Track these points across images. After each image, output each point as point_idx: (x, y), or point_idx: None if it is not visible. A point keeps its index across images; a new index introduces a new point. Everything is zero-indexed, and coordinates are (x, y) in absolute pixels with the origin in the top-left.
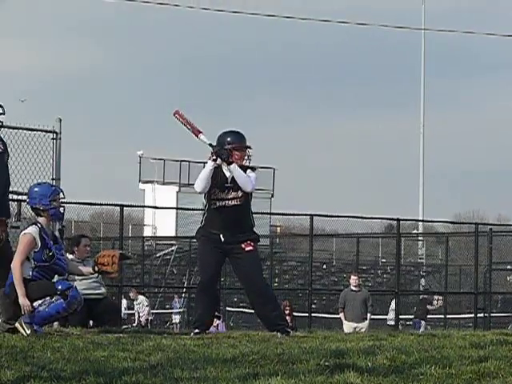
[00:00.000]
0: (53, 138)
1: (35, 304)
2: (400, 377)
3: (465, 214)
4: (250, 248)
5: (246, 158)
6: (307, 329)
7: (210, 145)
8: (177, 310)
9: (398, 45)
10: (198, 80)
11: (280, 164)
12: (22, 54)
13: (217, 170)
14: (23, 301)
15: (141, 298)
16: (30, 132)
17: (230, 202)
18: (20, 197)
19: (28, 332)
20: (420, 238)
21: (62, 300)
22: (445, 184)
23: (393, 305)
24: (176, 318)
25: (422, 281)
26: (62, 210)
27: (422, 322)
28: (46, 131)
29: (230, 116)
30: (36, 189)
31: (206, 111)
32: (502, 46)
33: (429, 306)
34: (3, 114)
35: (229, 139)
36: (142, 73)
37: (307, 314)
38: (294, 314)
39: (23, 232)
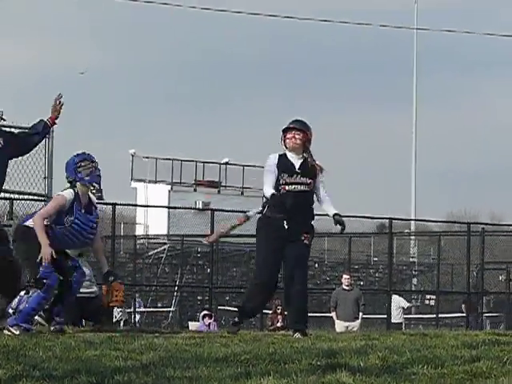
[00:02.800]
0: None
1: (13, 304)
2: (392, 377)
3: (457, 213)
4: (306, 242)
5: (301, 140)
6: None
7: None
8: (138, 310)
9: (389, 44)
10: (192, 79)
11: None
12: (19, 52)
13: (283, 158)
14: (46, 249)
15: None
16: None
17: (299, 186)
18: (12, 195)
19: (17, 333)
20: (412, 237)
21: (38, 291)
22: (437, 183)
23: (401, 303)
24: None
25: (415, 280)
26: (97, 172)
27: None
28: None
29: (222, 115)
30: (66, 161)
31: (202, 110)
32: (496, 45)
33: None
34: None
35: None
36: (135, 72)
37: None
38: (285, 312)
39: (58, 193)
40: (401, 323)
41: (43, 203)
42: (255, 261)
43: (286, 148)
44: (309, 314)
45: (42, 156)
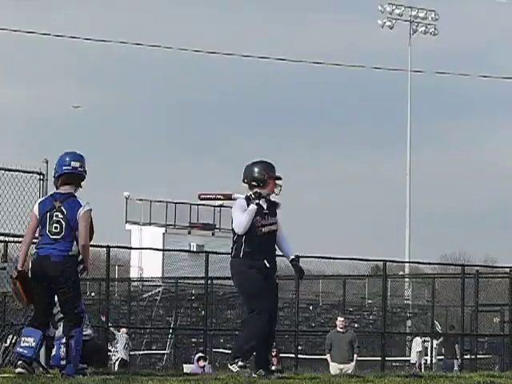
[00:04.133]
0: (39, 179)
1: (62, 354)
2: None
3: (451, 255)
4: (277, 281)
5: (279, 188)
6: (294, 370)
7: (248, 197)
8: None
9: (384, 86)
10: (187, 122)
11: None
12: (8, 93)
13: (249, 199)
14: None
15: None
16: (16, 173)
17: (271, 227)
18: (7, 238)
19: (80, 377)
20: (406, 280)
21: (77, 329)
22: (431, 225)
23: (419, 347)
24: (119, 353)
25: (409, 322)
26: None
27: (455, 362)
28: (33, 172)
29: (216, 158)
30: (60, 158)
31: (196, 153)
32: (489, 89)
33: (457, 346)
34: None
35: (266, 169)
36: (129, 114)
37: (294, 356)
38: (281, 355)
39: (86, 209)
40: (419, 363)
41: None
42: (246, 297)
43: (264, 191)
44: (303, 357)
45: (37, 198)
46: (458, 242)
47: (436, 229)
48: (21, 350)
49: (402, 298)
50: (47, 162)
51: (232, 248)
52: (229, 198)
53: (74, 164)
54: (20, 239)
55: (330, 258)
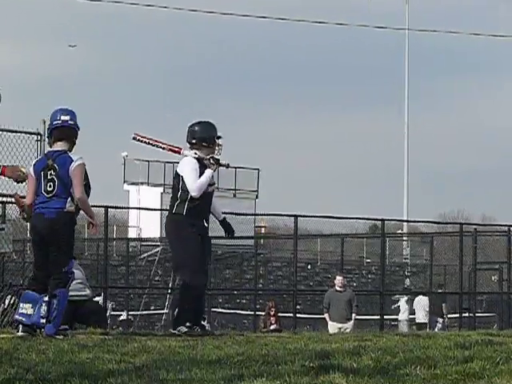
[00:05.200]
0: (37, 140)
1: (43, 313)
2: (385, 378)
3: (449, 213)
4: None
5: (219, 148)
6: (292, 329)
7: (198, 155)
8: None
9: (381, 45)
10: (183, 82)
11: (264, 165)
12: (6, 54)
13: (200, 162)
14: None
15: None
16: (14, 134)
17: (213, 187)
18: (5, 199)
19: (61, 338)
20: (404, 238)
21: (63, 290)
22: (429, 184)
23: (426, 307)
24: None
25: (407, 281)
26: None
27: (440, 320)
28: (31, 133)
29: (214, 116)
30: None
31: (190, 112)
32: (486, 47)
33: (444, 305)
34: None
35: (207, 129)
36: (128, 74)
37: (292, 315)
38: (279, 314)
39: (78, 163)
40: (426, 323)
41: None
42: (181, 257)
43: (208, 152)
44: (302, 316)
45: (34, 158)
46: (456, 200)
47: (434, 187)
48: (18, 317)
49: (401, 257)
50: (45, 123)
51: (173, 204)
52: (177, 152)
53: (64, 117)
54: None
55: (328, 217)
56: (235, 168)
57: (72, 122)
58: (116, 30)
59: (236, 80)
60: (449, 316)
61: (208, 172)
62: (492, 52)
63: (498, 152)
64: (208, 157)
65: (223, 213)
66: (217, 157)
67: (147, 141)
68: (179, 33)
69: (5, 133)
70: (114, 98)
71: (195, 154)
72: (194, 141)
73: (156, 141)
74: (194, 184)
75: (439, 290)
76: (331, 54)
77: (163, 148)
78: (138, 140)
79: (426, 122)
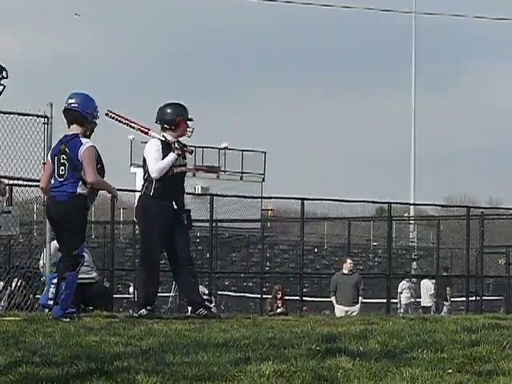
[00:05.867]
0: (44, 123)
1: (51, 295)
2: (392, 361)
3: (456, 197)
4: (185, 222)
5: (190, 130)
6: (299, 312)
7: (165, 138)
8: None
9: (388, 29)
10: (191, 65)
11: (271, 148)
12: (15, 38)
13: (165, 143)
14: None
15: None
16: (21, 117)
17: (182, 168)
18: (12, 181)
19: (67, 320)
20: (411, 222)
21: (72, 273)
22: (436, 168)
23: (427, 288)
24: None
25: (414, 264)
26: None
27: (446, 303)
28: (38, 116)
29: (221, 101)
30: (90, 99)
31: (197, 96)
32: (492, 30)
33: (448, 289)
34: (7, 77)
35: (186, 111)
36: (134, 57)
37: (299, 298)
38: (286, 297)
39: (87, 146)
40: (430, 307)
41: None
42: (144, 237)
43: (176, 134)
44: (308, 299)
45: (41, 142)
46: (463, 183)
47: (441, 171)
48: (43, 302)
49: (407, 240)
50: (52, 106)
51: (143, 185)
52: (145, 133)
53: (70, 101)
54: (25, 182)
55: (336, 200)
56: (242, 151)
57: (76, 105)
58: (118, 9)
59: (242, 62)
60: (456, 300)
61: (170, 155)
62: (498, 34)
63: (506, 135)
64: (174, 140)
65: (230, 196)
66: (183, 141)
67: (119, 119)
68: (184, 12)
69: (11, 116)
70: (121, 80)
71: (162, 136)
72: (158, 123)
73: (127, 119)
74: (154, 166)
75: (444, 273)
76: (338, 38)
77: (133, 127)
78: (111, 117)
79: (433, 106)
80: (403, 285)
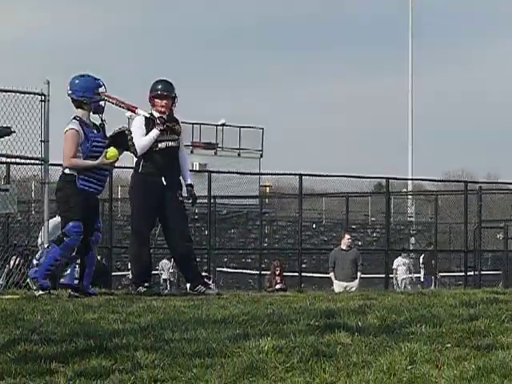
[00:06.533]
0: (41, 101)
1: (37, 256)
2: (390, 336)
3: (454, 172)
4: (181, 198)
5: (173, 106)
6: (297, 288)
7: (151, 115)
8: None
9: (385, 6)
10: (189, 41)
11: (269, 124)
12: (13, 16)
13: (150, 120)
14: (103, 161)
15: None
16: (18, 94)
17: (169, 142)
18: (9, 159)
19: (34, 288)
20: (409, 197)
21: (56, 247)
22: (434, 143)
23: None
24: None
25: (412, 239)
26: (102, 103)
27: (432, 278)
28: (34, 93)
29: (220, 77)
30: (79, 81)
31: (198, 72)
32: (488, 5)
33: (433, 262)
34: None
35: (159, 87)
36: (132, 35)
37: (297, 274)
38: (285, 273)
39: (66, 129)
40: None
41: (41, 167)
42: (132, 213)
43: (155, 109)
44: (307, 275)
45: (38, 120)
46: (461, 158)
47: (439, 146)
48: (68, 281)
49: (405, 216)
50: (48, 83)
51: (134, 162)
52: (133, 111)
53: (67, 88)
54: (22, 160)
55: (333, 176)
56: (239, 127)
57: (70, 92)
58: None
59: (240, 40)
60: (454, 274)
61: (152, 131)
62: (495, 10)
63: (504, 111)
64: (157, 116)
65: (228, 172)
66: (164, 117)
67: (108, 99)
68: None
69: (8, 94)
70: (119, 58)
71: (149, 113)
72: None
73: (117, 99)
74: (136, 143)
75: (429, 248)
76: (335, 15)
77: (122, 107)
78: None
79: (431, 81)
80: (398, 261)
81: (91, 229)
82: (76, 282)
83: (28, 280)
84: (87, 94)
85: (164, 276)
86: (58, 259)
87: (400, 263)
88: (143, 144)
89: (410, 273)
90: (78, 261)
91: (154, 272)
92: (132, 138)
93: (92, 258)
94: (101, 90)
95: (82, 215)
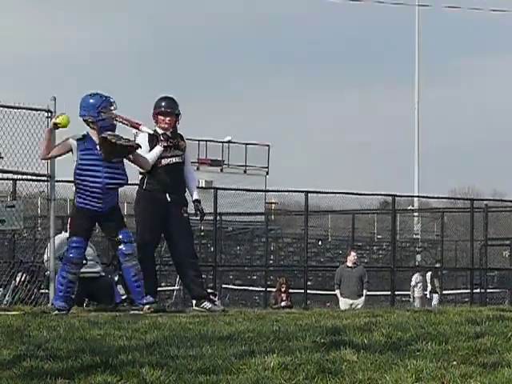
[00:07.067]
0: (47, 117)
1: None
2: (396, 353)
3: (460, 189)
4: (186, 214)
5: (177, 123)
6: (303, 305)
7: (155, 132)
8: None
9: (392, 21)
10: (194, 59)
11: (275, 141)
12: (18, 30)
13: (154, 136)
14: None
15: None
16: (24, 111)
17: (174, 159)
18: (15, 176)
19: (54, 313)
20: (415, 214)
21: (62, 266)
22: (440, 160)
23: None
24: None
25: (418, 257)
26: (113, 121)
27: (435, 295)
28: (41, 110)
29: (226, 93)
30: (86, 100)
31: (202, 88)
32: (493, 23)
33: (436, 280)
34: None
35: (163, 104)
36: (140, 49)
37: (303, 291)
38: (290, 290)
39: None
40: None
41: (47, 183)
42: (136, 229)
43: (158, 126)
44: (313, 292)
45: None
46: (467, 176)
47: (445, 163)
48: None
49: (412, 233)
50: (55, 100)
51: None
52: (136, 127)
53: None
54: (28, 177)
55: (339, 193)
56: (245, 144)
57: (79, 113)
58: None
59: (245, 56)
60: (460, 292)
61: (156, 148)
62: (500, 29)
63: (509, 127)
64: (161, 132)
65: (234, 189)
66: (168, 133)
67: (114, 117)
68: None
69: (14, 110)
70: (126, 74)
71: (153, 130)
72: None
73: (121, 117)
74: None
75: (437, 265)
76: (343, 30)
77: (126, 124)
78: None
79: (437, 98)
80: (417, 278)
81: (115, 243)
82: (124, 297)
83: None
84: (91, 113)
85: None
86: (64, 276)
87: (418, 280)
88: (150, 162)
89: (425, 290)
90: (116, 278)
91: (159, 288)
92: (115, 138)
93: (127, 270)
94: (112, 108)
95: (81, 233)
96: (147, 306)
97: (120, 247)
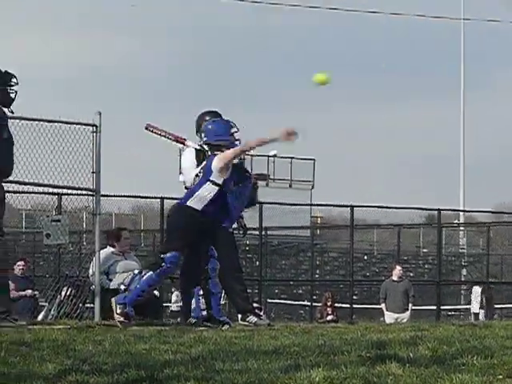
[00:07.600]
0: (93, 132)
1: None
2: (442, 367)
3: (507, 203)
4: (230, 230)
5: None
6: (349, 320)
7: (201, 147)
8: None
9: (437, 33)
10: (236, 67)
11: (320, 155)
12: (59, 44)
13: (200, 152)
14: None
15: None
16: (70, 125)
17: None
18: (60, 190)
19: (118, 311)
20: (461, 228)
21: (151, 273)
22: (486, 174)
23: (476, 295)
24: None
25: (464, 271)
26: (238, 142)
27: (481, 311)
28: (86, 124)
29: (265, 105)
30: (214, 126)
31: (238, 101)
32: None
33: (482, 295)
34: (17, 84)
35: (208, 118)
36: (181, 61)
37: (349, 305)
38: (336, 305)
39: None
40: (478, 313)
41: (92, 198)
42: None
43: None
44: (358, 306)
45: (90, 151)
46: None
47: (491, 177)
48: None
49: (457, 247)
50: (100, 114)
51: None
52: (182, 142)
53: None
54: (73, 191)
55: (385, 208)
56: (291, 158)
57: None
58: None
59: (286, 67)
60: (506, 306)
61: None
62: None
63: None
64: (207, 148)
65: (279, 203)
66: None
67: (158, 132)
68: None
69: (60, 124)
70: (171, 86)
71: (199, 145)
72: (197, 132)
73: (166, 132)
74: (187, 175)
75: (491, 280)
76: (386, 43)
77: (170, 139)
78: (151, 131)
79: (483, 111)
80: (477, 291)
81: (205, 257)
82: (204, 312)
83: (113, 304)
84: (224, 138)
85: (173, 309)
86: (151, 285)
87: (478, 293)
88: (193, 177)
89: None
90: (201, 292)
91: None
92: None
93: (214, 285)
94: (232, 130)
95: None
96: (226, 327)
97: (211, 260)
